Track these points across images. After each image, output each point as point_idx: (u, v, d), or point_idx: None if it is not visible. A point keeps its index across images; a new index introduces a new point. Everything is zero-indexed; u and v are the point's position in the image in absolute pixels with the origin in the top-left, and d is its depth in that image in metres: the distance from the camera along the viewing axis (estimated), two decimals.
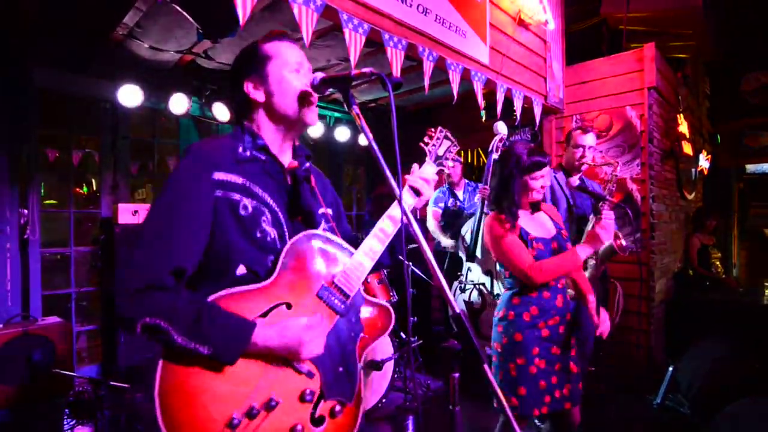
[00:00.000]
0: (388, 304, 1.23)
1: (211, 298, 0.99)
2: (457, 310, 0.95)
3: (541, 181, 1.91)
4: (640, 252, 3.66)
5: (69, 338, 2.84)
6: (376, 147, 1.04)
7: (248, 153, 1.11)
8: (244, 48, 1.19)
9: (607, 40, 4.68)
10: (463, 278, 3.34)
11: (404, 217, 1.00)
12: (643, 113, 3.69)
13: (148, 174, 4.01)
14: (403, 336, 3.28)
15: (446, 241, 3.59)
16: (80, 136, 3.53)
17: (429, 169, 1.30)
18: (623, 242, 2.20)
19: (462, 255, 3.47)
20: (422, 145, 1.33)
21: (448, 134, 1.37)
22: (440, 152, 1.35)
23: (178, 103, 3.32)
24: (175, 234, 0.98)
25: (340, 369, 1.10)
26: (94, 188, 4.50)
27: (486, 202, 3.24)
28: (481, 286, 3.19)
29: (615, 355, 3.62)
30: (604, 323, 1.97)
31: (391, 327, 1.21)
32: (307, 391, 1.04)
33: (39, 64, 2.96)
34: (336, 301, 1.11)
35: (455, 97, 2.91)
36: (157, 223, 0.99)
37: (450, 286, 3.48)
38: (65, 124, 3.35)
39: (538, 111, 3.69)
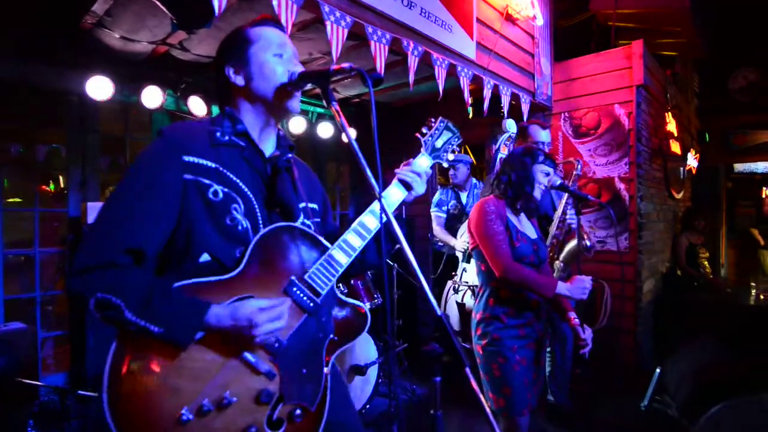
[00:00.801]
0: (363, 306, 1.21)
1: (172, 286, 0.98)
2: (439, 313, 0.95)
3: (547, 178, 2.03)
4: (627, 252, 3.74)
5: (33, 345, 2.77)
6: (355, 143, 1.04)
7: (226, 138, 1.11)
8: (229, 33, 1.19)
9: (596, 36, 4.76)
10: (457, 279, 3.36)
11: (384, 215, 1.00)
12: (631, 111, 3.76)
13: (119, 170, 3.94)
14: (388, 339, 3.29)
15: (459, 245, 3.57)
16: (46, 130, 3.45)
17: (422, 161, 1.27)
18: (587, 242, 2.26)
19: (459, 255, 3.49)
20: (418, 135, 1.30)
21: (450, 125, 1.34)
22: (438, 144, 1.31)
23: (152, 97, 3.27)
24: (132, 213, 0.98)
25: (304, 371, 1.08)
26: (62, 185, 4.40)
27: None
28: (476, 288, 3.22)
29: (602, 357, 3.68)
30: (588, 342, 1.99)
31: (364, 330, 1.19)
32: (265, 392, 1.02)
33: (0, 53, 2.88)
34: (305, 298, 1.08)
35: (441, 93, 2.93)
36: (117, 202, 1.00)
37: (443, 286, 3.49)
38: (29, 117, 3.27)
39: (525, 108, 3.73)
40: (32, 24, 2.88)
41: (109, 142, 3.67)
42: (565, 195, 2.50)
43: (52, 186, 4.92)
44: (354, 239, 1.14)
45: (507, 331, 1.91)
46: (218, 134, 1.10)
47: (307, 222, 1.21)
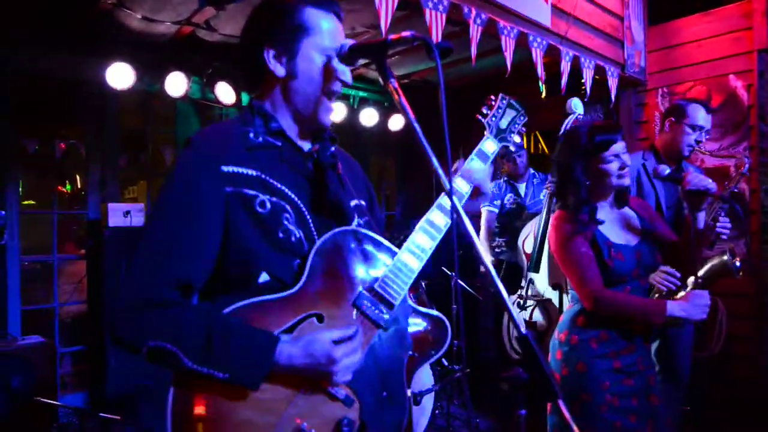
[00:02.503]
0: (441, 315, 1.23)
1: (226, 310, 1.01)
2: (523, 331, 0.93)
3: (617, 161, 1.84)
4: (747, 260, 3.51)
5: (52, 361, 2.96)
6: (418, 127, 1.03)
7: (260, 139, 1.13)
8: (276, 3, 1.16)
9: None
10: (523, 292, 3.29)
11: (455, 212, 0.97)
12: (751, 83, 3.57)
13: (140, 167, 4.15)
14: (446, 363, 3.26)
15: (486, 257, 3.51)
16: (63, 124, 3.69)
17: (488, 146, 1.31)
18: (737, 262, 2.08)
19: (522, 263, 3.42)
20: (479, 116, 1.33)
21: (513, 101, 1.38)
22: (503, 124, 1.35)
23: (176, 84, 3.42)
24: (177, 242, 1.02)
25: (384, 394, 1.10)
26: (79, 185, 4.71)
27: (554, 200, 3.20)
28: (547, 302, 3.13)
29: (718, 391, 3.48)
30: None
31: (447, 343, 1.21)
32: (345, 421, 1.04)
33: (13, 41, 3.09)
34: (377, 311, 1.10)
35: (509, 68, 2.88)
36: (156, 231, 1.04)
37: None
38: (45, 111, 3.51)
39: (613, 84, 3.63)
40: (45, 9, 3.07)
41: (129, 136, 3.88)
42: (715, 202, 2.31)
43: (68, 186, 5.27)
44: (424, 240, 1.16)
45: (598, 362, 1.80)
46: (251, 135, 1.12)
47: (360, 221, 1.23)
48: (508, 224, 3.75)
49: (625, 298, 1.80)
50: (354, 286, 1.11)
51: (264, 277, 1.06)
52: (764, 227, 3.55)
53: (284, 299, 1.04)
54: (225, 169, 1.05)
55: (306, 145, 1.20)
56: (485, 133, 1.33)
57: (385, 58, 1.06)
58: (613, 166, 1.84)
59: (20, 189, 3.48)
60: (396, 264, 1.13)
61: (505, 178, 3.87)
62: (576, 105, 3.10)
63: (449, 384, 3.20)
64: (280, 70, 1.14)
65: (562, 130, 3.19)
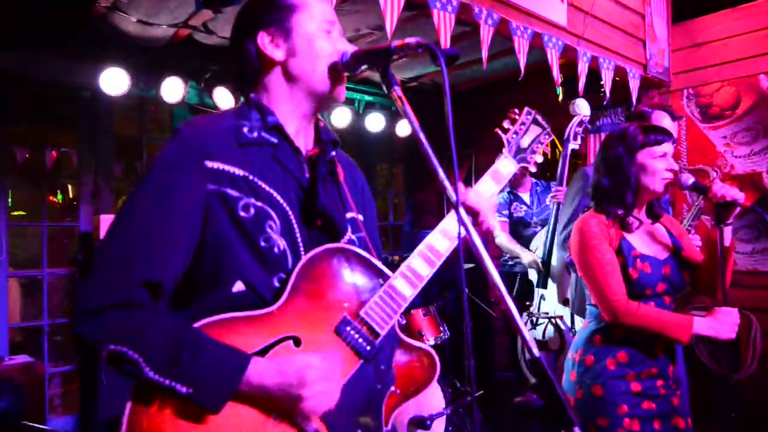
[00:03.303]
0: (431, 350, 1.20)
1: (197, 324, 0.99)
2: (536, 353, 0.91)
3: (665, 161, 1.84)
4: None
5: (41, 382, 2.97)
6: (423, 137, 1.03)
7: (255, 134, 1.10)
8: None
9: None
10: (534, 309, 3.27)
11: (462, 228, 0.95)
12: None
13: (135, 177, 4.18)
14: (458, 385, 3.23)
15: (527, 257, 3.53)
16: (55, 131, 3.72)
17: (504, 166, 1.27)
18: None
19: (533, 278, 3.40)
20: (499, 131, 1.30)
21: (539, 118, 1.34)
22: (524, 143, 1.31)
23: (172, 89, 3.44)
24: (149, 238, 1.00)
25: None
26: (71, 196, 4.74)
27: (560, 209, 3.20)
28: (558, 320, 3.11)
29: (755, 416, 3.41)
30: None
31: (433, 381, 1.18)
32: None
33: (2, 45, 3.11)
34: (360, 340, 1.08)
35: (523, 70, 2.87)
36: (128, 224, 1.02)
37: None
38: (36, 117, 3.54)
39: (634, 85, 3.62)
40: (38, 11, 3.11)
41: (123, 143, 3.90)
42: (694, 207, 2.33)
43: (60, 197, 5.31)
44: (421, 266, 1.13)
45: (614, 384, 1.79)
46: (245, 130, 1.10)
47: (353, 237, 1.20)
48: (518, 234, 3.78)
49: (648, 311, 1.77)
50: (339, 311, 1.07)
51: (239, 286, 1.03)
52: None
53: (261, 318, 1.01)
54: (209, 164, 1.03)
55: (305, 146, 1.18)
56: (503, 150, 1.29)
57: (389, 64, 1.06)
58: (660, 165, 1.83)
59: (9, 199, 3.51)
60: (387, 290, 1.10)
61: (508, 189, 3.92)
62: (581, 106, 3.10)
63: (461, 407, 3.17)
64: (278, 54, 1.13)
65: (567, 133, 3.19)
